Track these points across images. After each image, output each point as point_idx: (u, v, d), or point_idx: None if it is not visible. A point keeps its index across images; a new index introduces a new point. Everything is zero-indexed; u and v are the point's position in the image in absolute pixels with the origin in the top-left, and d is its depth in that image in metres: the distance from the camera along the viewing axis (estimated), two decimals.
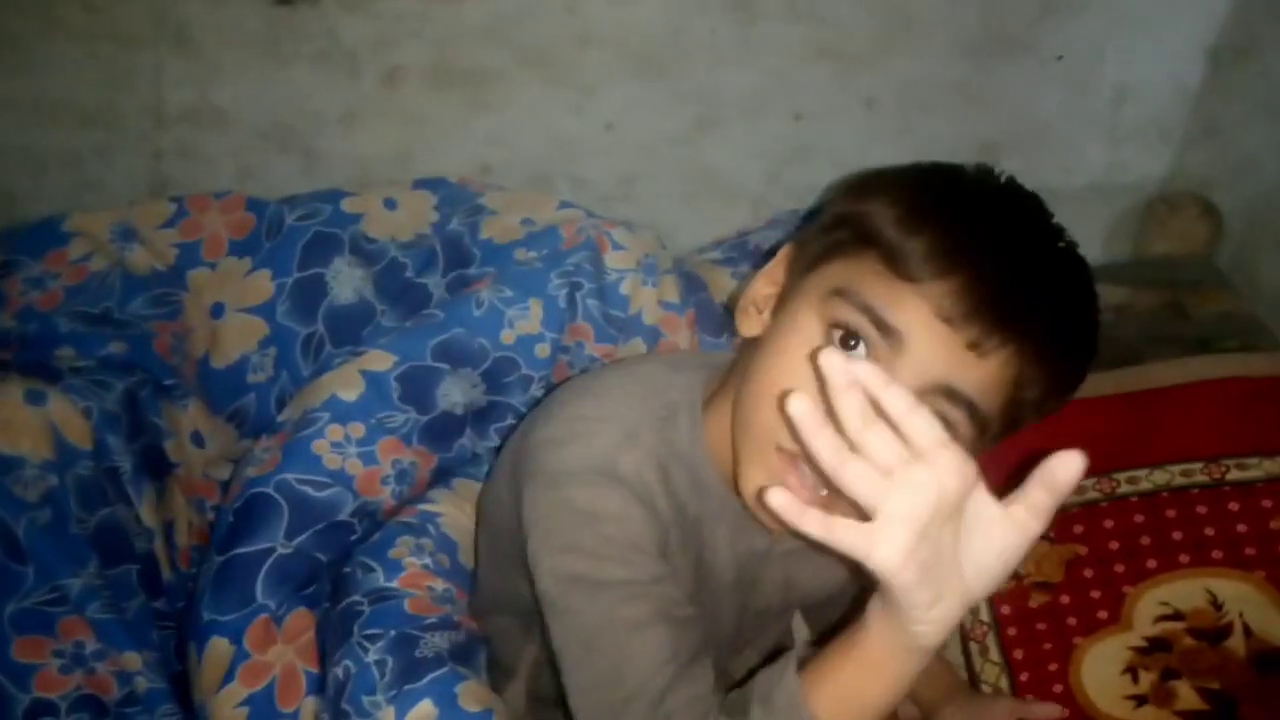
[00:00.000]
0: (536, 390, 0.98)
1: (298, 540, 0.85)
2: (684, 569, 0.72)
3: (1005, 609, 0.96)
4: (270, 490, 0.85)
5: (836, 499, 0.55)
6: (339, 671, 0.77)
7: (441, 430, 0.94)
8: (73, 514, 0.83)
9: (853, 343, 0.61)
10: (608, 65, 1.16)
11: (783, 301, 0.68)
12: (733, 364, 0.73)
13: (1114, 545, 0.95)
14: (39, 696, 0.77)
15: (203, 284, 1.04)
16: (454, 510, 0.92)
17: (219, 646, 0.81)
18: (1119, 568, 0.94)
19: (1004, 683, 0.91)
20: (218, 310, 1.04)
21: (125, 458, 0.89)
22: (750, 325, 0.70)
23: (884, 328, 0.60)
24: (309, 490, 0.86)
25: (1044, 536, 0.96)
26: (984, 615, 0.97)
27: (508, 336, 0.96)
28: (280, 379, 1.04)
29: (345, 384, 0.91)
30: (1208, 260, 1.33)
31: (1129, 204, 1.32)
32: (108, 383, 0.91)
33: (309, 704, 0.80)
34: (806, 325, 0.63)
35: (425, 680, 0.75)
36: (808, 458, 0.55)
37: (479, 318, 0.97)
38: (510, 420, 0.97)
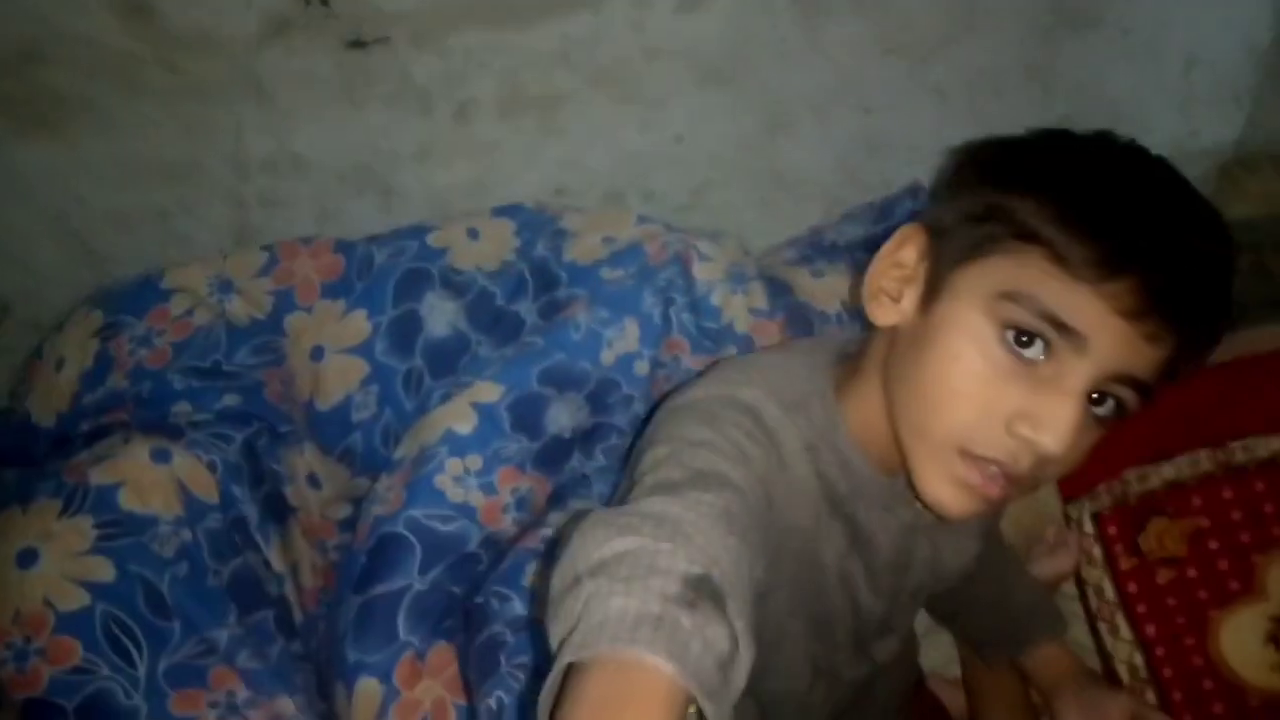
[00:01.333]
0: (638, 408, 0.99)
1: (431, 575, 0.86)
2: (837, 542, 0.73)
3: (1132, 587, 0.95)
4: (400, 529, 0.87)
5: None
6: (492, 703, 0.78)
7: (553, 455, 0.95)
8: (208, 566, 0.85)
9: (1025, 339, 0.62)
10: (675, 77, 1.16)
11: (934, 295, 0.66)
12: (863, 350, 0.73)
13: (1236, 515, 0.95)
14: None
15: (300, 329, 1.05)
16: None
17: (369, 687, 0.82)
18: (1245, 537, 0.93)
19: (1138, 659, 0.91)
20: (318, 353, 1.05)
21: (250, 506, 0.90)
22: (886, 314, 0.69)
23: (1065, 330, 0.61)
24: (437, 525, 0.87)
25: (1163, 511, 0.97)
26: (1109, 594, 0.96)
27: (608, 357, 0.97)
28: (384, 415, 1.05)
29: (458, 418, 0.93)
30: None
31: (1204, 169, 1.30)
32: (227, 435, 0.93)
33: None
34: (975, 325, 0.63)
35: None
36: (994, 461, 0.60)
37: (578, 341, 0.98)
38: (614, 440, 0.98)
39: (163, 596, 0.82)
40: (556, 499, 0.95)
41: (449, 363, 1.06)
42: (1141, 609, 0.93)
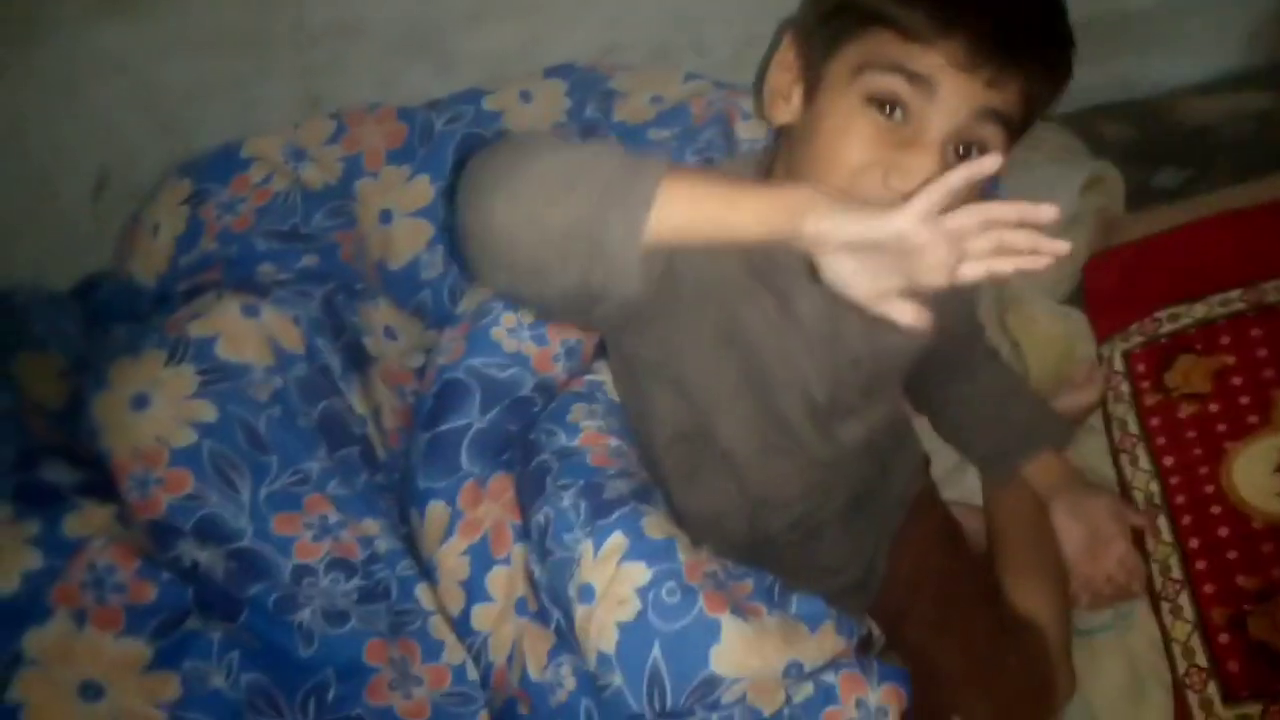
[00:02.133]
0: None
1: (490, 415, 0.95)
2: (764, 308, 0.82)
3: (1155, 421, 1.00)
4: (461, 375, 0.96)
5: None
6: (540, 518, 0.88)
7: None
8: (299, 409, 0.96)
9: (888, 109, 0.73)
10: None
11: (811, 92, 0.78)
12: (774, 154, 0.83)
13: (1262, 353, 0.98)
14: (299, 562, 0.92)
15: (369, 193, 1.13)
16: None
17: (437, 509, 0.93)
18: (1267, 373, 0.97)
19: (1154, 487, 0.97)
20: (386, 217, 1.13)
21: (333, 356, 1.00)
22: (780, 113, 0.80)
23: (914, 78, 0.72)
24: (494, 372, 0.96)
25: (1191, 349, 1.01)
26: (1132, 427, 1.01)
27: None
28: (451, 273, 1.13)
29: None
30: None
31: (1267, 7, 1.27)
32: (308, 291, 1.02)
33: (517, 550, 0.92)
34: (845, 104, 0.74)
35: (614, 516, 0.86)
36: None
37: None
38: None
39: (260, 434, 0.93)
40: (603, 348, 1.02)
41: None
42: (1161, 441, 0.98)
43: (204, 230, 1.09)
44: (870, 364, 0.90)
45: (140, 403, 0.93)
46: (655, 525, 0.87)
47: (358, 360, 1.03)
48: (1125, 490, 1.00)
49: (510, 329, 0.97)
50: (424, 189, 1.12)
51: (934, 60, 0.71)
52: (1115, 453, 1.03)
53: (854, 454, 0.94)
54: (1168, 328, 1.04)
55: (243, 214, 1.08)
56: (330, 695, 0.88)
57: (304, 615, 0.90)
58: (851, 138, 0.74)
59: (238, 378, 0.95)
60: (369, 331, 1.06)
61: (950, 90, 0.72)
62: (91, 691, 0.84)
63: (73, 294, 1.23)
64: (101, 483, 0.94)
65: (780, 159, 0.83)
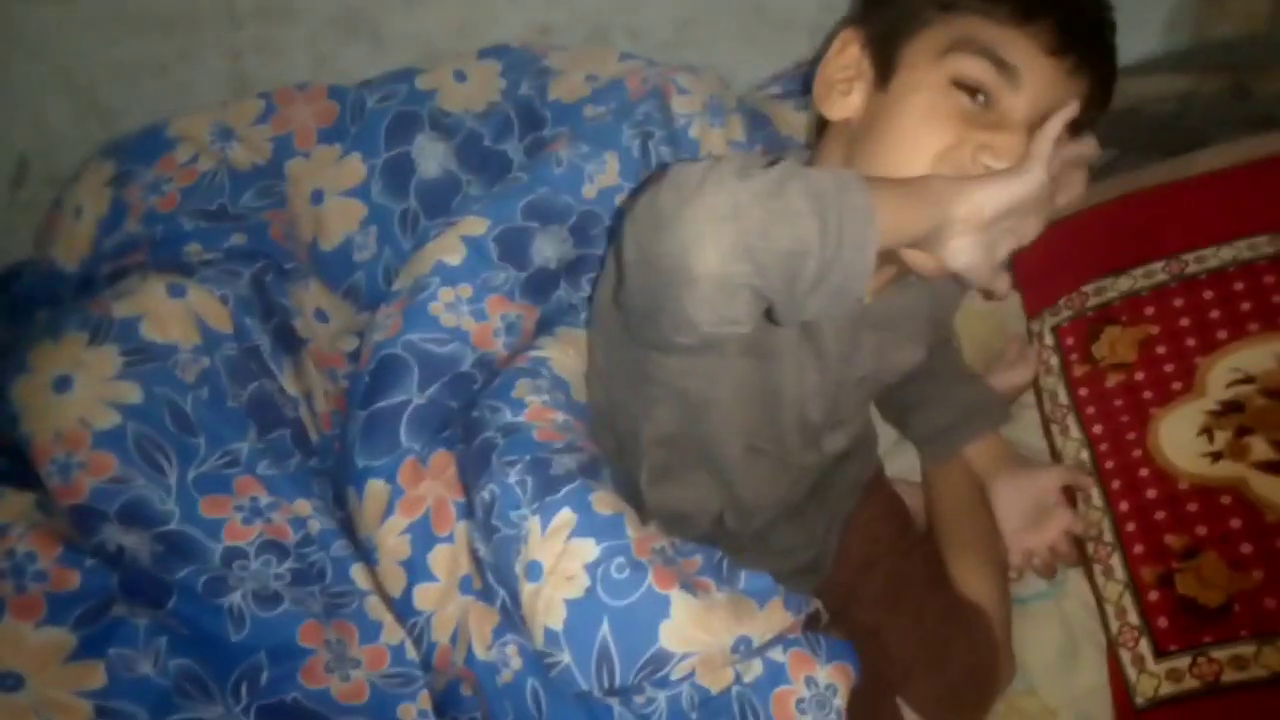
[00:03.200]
0: None
1: (429, 391, 0.93)
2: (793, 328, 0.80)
3: (1083, 391, 1.02)
4: (399, 350, 0.94)
5: None
6: (485, 495, 0.87)
7: (539, 284, 1.01)
8: (227, 390, 0.93)
9: (972, 92, 0.74)
10: None
11: (886, 74, 0.78)
12: (820, 151, 0.83)
13: (1184, 322, 1.00)
14: (229, 544, 0.89)
15: (300, 173, 1.11)
16: (560, 354, 1.00)
17: (376, 487, 0.91)
18: (1190, 341, 0.99)
19: (1085, 455, 0.99)
20: (317, 197, 1.11)
21: (262, 337, 0.98)
22: (838, 107, 0.81)
23: (1003, 67, 0.73)
24: (432, 347, 0.94)
25: (1116, 320, 1.03)
26: (1062, 398, 1.03)
27: (589, 191, 1.02)
28: (384, 254, 1.12)
29: (448, 250, 0.98)
30: (1269, 38, 1.32)
31: None
32: (236, 271, 0.99)
33: (460, 527, 0.90)
34: (931, 82, 0.75)
35: (562, 493, 0.85)
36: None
37: (560, 175, 1.02)
38: (598, 270, 1.04)
39: (187, 415, 0.91)
40: (544, 326, 1.02)
41: (442, 202, 1.11)
42: (1090, 410, 1.00)
43: (128, 212, 1.06)
44: (873, 380, 0.92)
45: (62, 385, 0.90)
46: (603, 501, 0.86)
47: (288, 342, 1.01)
48: (1056, 459, 1.02)
49: (448, 304, 0.96)
50: (356, 168, 1.10)
51: (1023, 45, 0.73)
52: (1046, 424, 1.04)
53: (832, 459, 0.95)
54: (1094, 301, 1.06)
55: (168, 194, 1.06)
56: (264, 678, 0.85)
57: (235, 598, 0.87)
58: (940, 118, 0.74)
59: (163, 358, 0.92)
60: (299, 313, 1.04)
61: (1037, 75, 0.73)
62: (11, 681, 0.81)
63: None
64: (20, 471, 0.91)
65: (831, 155, 0.82)
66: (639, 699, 0.83)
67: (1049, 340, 1.08)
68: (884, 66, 0.78)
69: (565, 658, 0.82)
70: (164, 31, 1.17)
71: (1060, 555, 0.97)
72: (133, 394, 0.90)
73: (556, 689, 0.85)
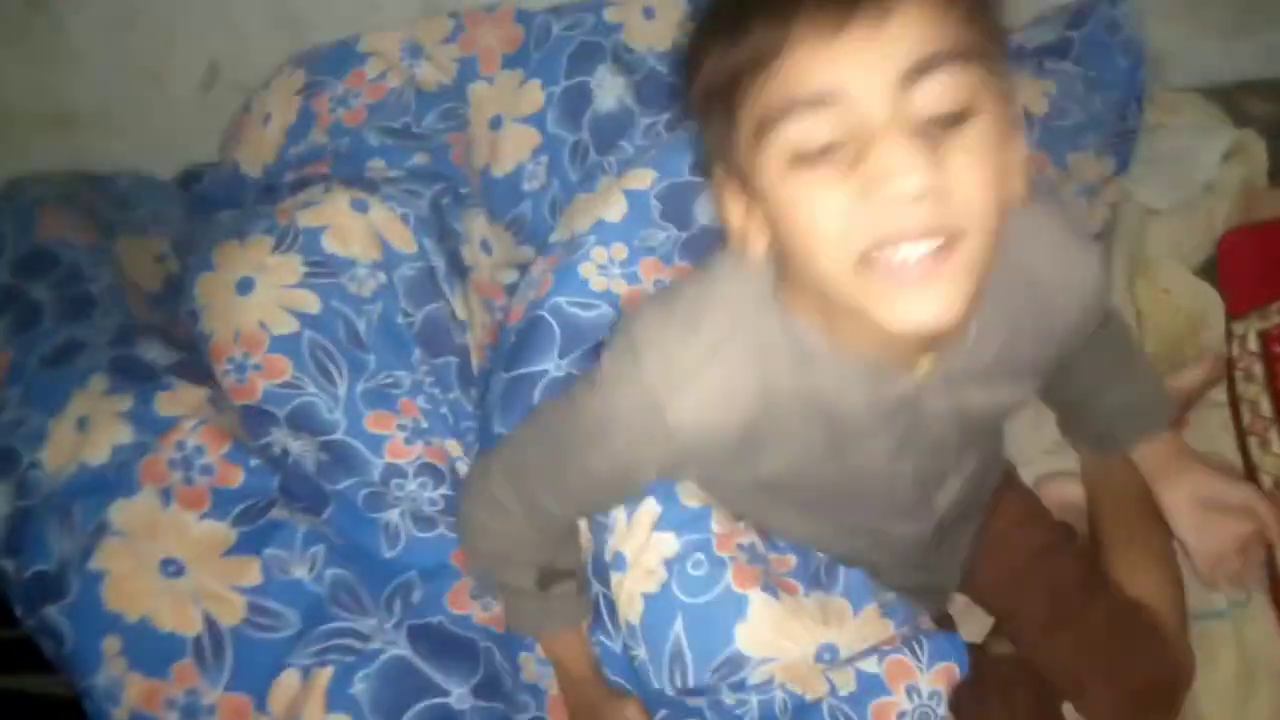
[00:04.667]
0: None
1: (568, 360, 0.90)
2: (809, 436, 0.70)
3: None
4: (545, 313, 0.91)
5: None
6: None
7: (700, 246, 0.97)
8: (400, 309, 0.94)
9: (808, 153, 0.56)
10: None
11: (750, 198, 0.62)
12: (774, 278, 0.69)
13: None
14: (390, 462, 0.90)
15: (482, 97, 1.10)
16: None
17: None
18: None
19: None
20: (496, 122, 1.10)
21: (439, 259, 0.98)
22: (757, 247, 0.64)
23: (814, 104, 0.55)
24: (577, 312, 0.91)
25: None
26: (1265, 410, 0.96)
27: None
28: (552, 187, 1.10)
29: (609, 205, 0.95)
30: None
31: None
32: (418, 191, 1.00)
33: None
34: (773, 180, 0.58)
35: None
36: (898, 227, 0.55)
37: None
38: None
39: (359, 331, 0.91)
40: None
41: (614, 137, 1.09)
42: None
43: (315, 122, 1.07)
44: (972, 428, 0.78)
45: (244, 287, 0.92)
46: (691, 492, 0.82)
47: (459, 268, 1.01)
48: (1252, 474, 0.95)
49: (600, 265, 0.93)
50: (535, 95, 1.09)
51: (802, 61, 0.54)
52: (1243, 435, 0.97)
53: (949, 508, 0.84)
54: None
55: (356, 108, 1.06)
56: (415, 597, 0.86)
57: (392, 516, 0.88)
58: (805, 201, 0.57)
59: (342, 272, 0.93)
60: (468, 240, 1.04)
61: (849, 74, 0.54)
62: (173, 568, 0.84)
63: (176, 182, 1.23)
64: (196, 366, 0.93)
65: (790, 284, 0.66)
66: (729, 699, 0.79)
67: (1253, 345, 1.00)
68: (743, 194, 0.63)
69: (641, 653, 0.79)
70: None
71: (1232, 570, 0.89)
72: (311, 303, 0.91)
73: (639, 681, 0.83)
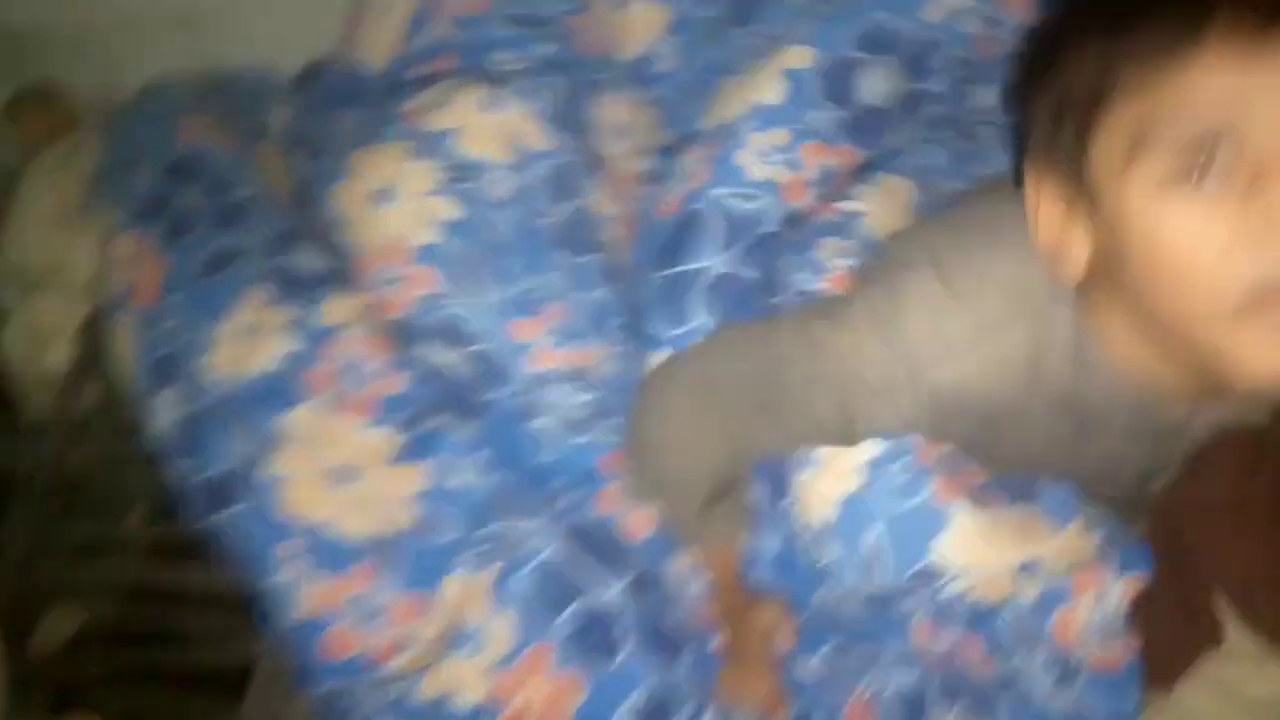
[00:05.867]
0: (960, 72, 0.93)
1: (729, 255, 0.87)
2: (1053, 432, 0.68)
3: None
4: (703, 206, 0.88)
5: None
6: None
7: (865, 125, 0.92)
8: (540, 209, 0.93)
9: (1198, 177, 0.51)
10: None
11: (1094, 218, 0.57)
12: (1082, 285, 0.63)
13: None
14: (539, 369, 0.91)
15: None
16: (877, 209, 0.90)
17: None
18: None
19: None
20: (620, 0, 1.05)
21: (574, 154, 0.96)
22: (1075, 268, 0.60)
23: (1217, 128, 0.50)
24: (738, 203, 0.88)
25: None
26: None
27: (932, 14, 0.90)
28: (687, 65, 1.05)
29: (766, 87, 0.90)
30: None
31: None
32: (549, 82, 0.97)
33: None
34: (1148, 208, 0.53)
35: None
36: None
37: None
38: (939, 109, 0.93)
39: (502, 236, 0.91)
40: (866, 171, 0.93)
41: (751, 10, 1.03)
42: None
43: (435, 13, 1.04)
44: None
45: (382, 197, 0.92)
46: None
47: (595, 158, 0.99)
48: None
49: (760, 152, 0.88)
50: None
51: (1211, 75, 0.50)
52: None
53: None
54: None
55: None
56: (568, 499, 0.89)
57: (542, 422, 0.90)
58: (1182, 241, 0.52)
59: (479, 174, 0.92)
60: (601, 130, 1.01)
61: (1264, 95, 0.49)
62: (344, 473, 0.87)
63: (300, 78, 1.22)
64: (346, 271, 0.95)
65: (1107, 298, 0.62)
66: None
67: None
68: (1085, 203, 0.57)
69: (832, 554, 0.78)
70: None
71: None
72: (452, 210, 0.91)
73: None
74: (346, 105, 1.14)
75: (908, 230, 0.80)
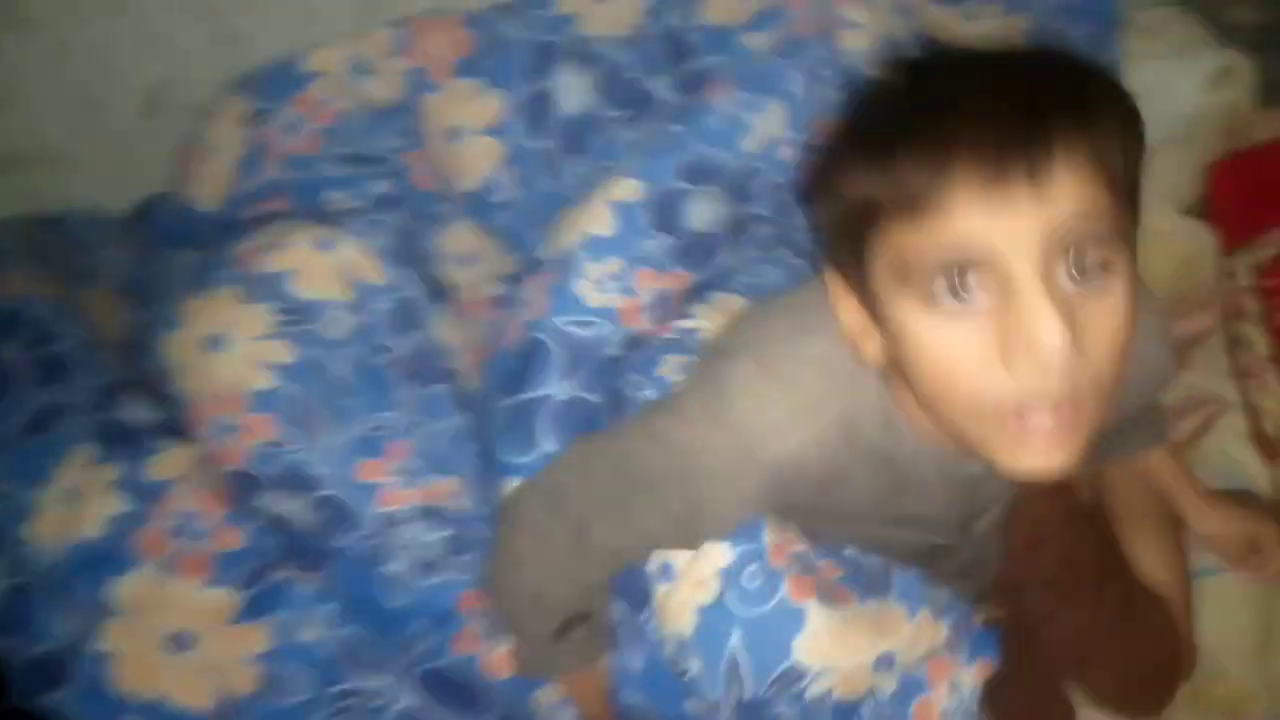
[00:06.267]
0: (783, 194, 0.96)
1: (571, 382, 0.87)
2: (875, 492, 0.72)
3: None
4: (543, 335, 0.88)
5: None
6: None
7: (696, 249, 0.94)
8: (380, 346, 0.91)
9: (954, 293, 0.56)
10: None
11: (874, 315, 0.63)
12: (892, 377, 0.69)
13: None
14: (386, 510, 0.88)
15: (434, 108, 1.06)
16: (712, 326, 0.91)
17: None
18: None
19: None
20: (455, 134, 1.06)
21: (414, 287, 0.95)
22: (874, 354, 0.65)
23: (964, 262, 0.55)
24: (576, 330, 0.88)
25: None
26: (1261, 349, 0.96)
27: (750, 144, 0.93)
28: (524, 196, 1.06)
29: (596, 219, 0.91)
30: None
31: None
32: (383, 220, 0.96)
33: None
34: (916, 323, 0.58)
35: None
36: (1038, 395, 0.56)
37: (719, 129, 0.93)
38: (767, 230, 0.96)
39: (339, 376, 0.89)
40: (698, 292, 0.94)
41: (584, 140, 1.05)
42: None
43: (267, 153, 1.03)
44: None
45: (215, 343, 0.89)
46: None
47: (438, 290, 0.98)
48: (1253, 417, 0.94)
49: (596, 281, 0.89)
50: (494, 104, 1.04)
51: (954, 217, 0.54)
52: (1241, 377, 0.95)
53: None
54: None
55: (306, 135, 1.02)
56: (423, 644, 0.85)
57: (394, 566, 0.87)
58: (944, 363, 0.58)
59: (315, 316, 0.90)
60: (445, 259, 1.01)
61: (1003, 233, 0.54)
62: (180, 642, 0.83)
63: (131, 217, 1.19)
64: (178, 422, 0.91)
65: (900, 382, 0.66)
66: (786, 711, 0.77)
67: (1244, 280, 0.98)
68: (867, 306, 0.63)
69: (694, 666, 0.77)
70: None
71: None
72: (286, 354, 0.88)
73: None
74: (180, 245, 1.11)
75: (728, 326, 0.83)
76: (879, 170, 0.57)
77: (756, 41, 1.00)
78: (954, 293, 0.56)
